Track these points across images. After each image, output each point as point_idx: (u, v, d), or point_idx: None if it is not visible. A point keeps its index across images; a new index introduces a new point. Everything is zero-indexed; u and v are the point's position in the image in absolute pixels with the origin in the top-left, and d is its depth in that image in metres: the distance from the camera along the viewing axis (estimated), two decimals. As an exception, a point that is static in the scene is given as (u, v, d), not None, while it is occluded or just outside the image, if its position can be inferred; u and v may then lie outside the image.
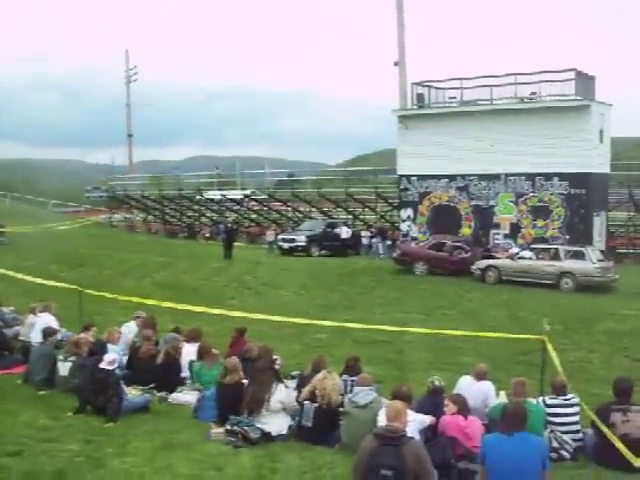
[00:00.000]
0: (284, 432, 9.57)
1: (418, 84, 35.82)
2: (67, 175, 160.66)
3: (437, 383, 9.62)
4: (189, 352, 12.48)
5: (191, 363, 12.08)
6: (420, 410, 8.91)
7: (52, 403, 11.06)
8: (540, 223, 31.56)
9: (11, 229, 36.26)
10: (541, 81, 31.82)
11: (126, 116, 67.42)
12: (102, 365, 10.60)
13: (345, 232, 42.46)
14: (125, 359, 12.47)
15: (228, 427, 9.43)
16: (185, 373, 12.14)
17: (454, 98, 34.70)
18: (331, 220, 46.28)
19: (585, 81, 31.98)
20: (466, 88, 33.95)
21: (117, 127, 75.73)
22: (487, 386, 9.94)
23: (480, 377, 10.07)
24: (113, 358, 10.77)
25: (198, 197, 54.79)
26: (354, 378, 10.25)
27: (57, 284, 18.34)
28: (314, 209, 50.59)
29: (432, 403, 9.26)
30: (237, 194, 53.12)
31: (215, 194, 53.96)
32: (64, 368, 11.82)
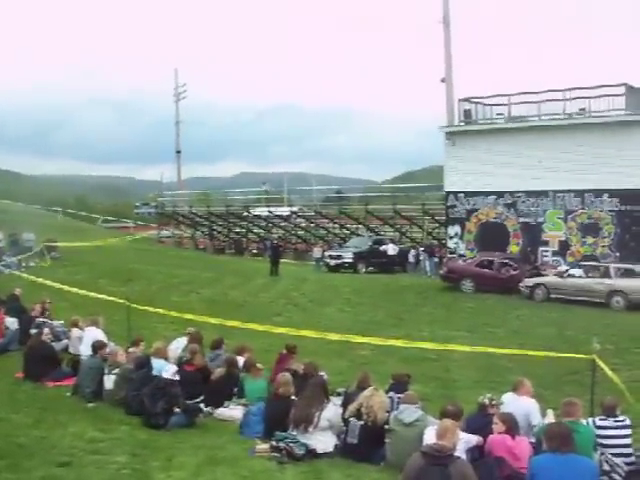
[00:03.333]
0: (330, 450, 9.52)
1: (465, 100, 35.66)
2: (117, 191, 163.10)
3: (487, 401, 9.48)
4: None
5: (241, 378, 12.13)
6: (469, 428, 8.79)
7: (100, 415, 11.19)
8: (590, 240, 31.10)
9: (62, 244, 36.83)
10: (590, 96, 31.42)
11: (175, 133, 68.23)
12: (166, 375, 10.78)
13: (392, 249, 42.36)
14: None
15: (273, 443, 9.41)
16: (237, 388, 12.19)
17: (501, 114, 34.45)
18: (378, 237, 46.23)
19: (636, 95, 31.46)
20: (513, 104, 33.68)
21: (166, 144, 76.69)
22: (528, 402, 9.69)
23: (521, 393, 9.86)
24: (175, 370, 10.96)
25: (245, 213, 55.20)
26: (400, 395, 10.18)
27: (106, 298, 18.59)
28: (361, 226, 50.58)
29: (482, 421, 9.12)
30: (284, 211, 53.41)
31: (262, 211, 54.32)
32: (109, 381, 11.98)
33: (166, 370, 11.01)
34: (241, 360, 12.57)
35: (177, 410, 10.85)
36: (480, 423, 9.04)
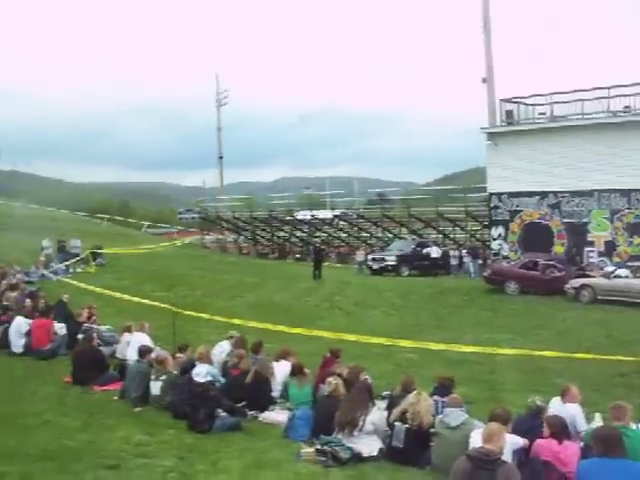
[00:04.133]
0: (375, 453, 9.51)
1: (507, 101, 35.32)
2: (161, 197, 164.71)
3: (538, 403, 9.37)
4: (278, 371, 12.61)
5: (285, 382, 12.19)
6: (517, 430, 8.70)
7: (147, 419, 11.34)
8: (637, 240, 30.58)
9: (108, 250, 37.30)
10: (635, 94, 30.93)
11: (217, 139, 68.71)
12: (197, 379, 10.90)
13: (435, 251, 42.18)
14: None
15: (318, 447, 9.44)
16: (276, 392, 12.25)
17: (544, 114, 34.06)
18: (421, 239, 46.09)
19: (683, 92, 30.87)
20: (556, 103, 33.27)
21: (209, 150, 77.26)
22: (573, 409, 9.55)
23: (566, 400, 9.75)
24: (207, 371, 11.06)
25: (288, 218, 55.34)
26: (445, 399, 10.14)
27: (152, 303, 18.79)
28: (404, 228, 50.44)
29: (530, 424, 9.02)
30: (327, 214, 53.45)
31: (305, 214, 54.40)
32: (155, 387, 12.11)
33: (198, 374, 11.10)
34: (285, 364, 12.64)
35: (221, 413, 10.95)
36: (529, 426, 8.95)
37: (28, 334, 16.47)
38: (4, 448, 9.44)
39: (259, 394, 11.88)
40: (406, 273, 40.21)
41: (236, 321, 16.63)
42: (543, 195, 32.98)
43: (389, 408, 10.39)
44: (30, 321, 16.72)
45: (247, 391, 11.88)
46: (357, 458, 9.38)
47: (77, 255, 34.51)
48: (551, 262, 30.18)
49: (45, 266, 31.01)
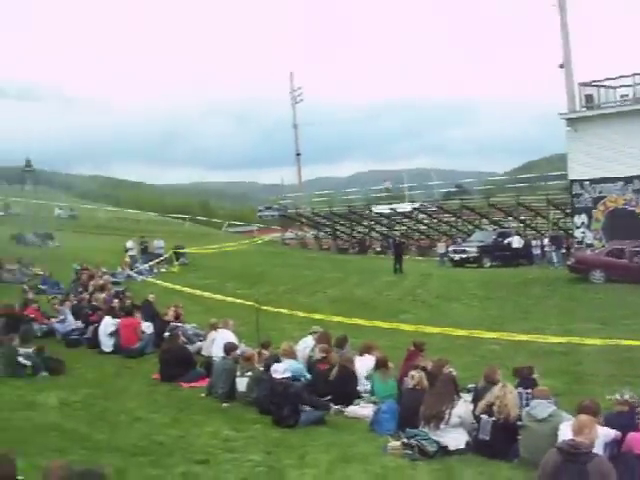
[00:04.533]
0: (461, 446, 9.44)
1: (586, 84, 34.34)
2: (240, 196, 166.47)
3: (627, 397, 9.10)
4: (362, 365, 12.64)
5: (370, 376, 12.22)
6: (609, 423, 8.50)
7: (234, 415, 11.53)
8: None
9: (190, 249, 37.95)
10: None
11: (294, 136, 69.04)
12: (275, 376, 11.02)
13: (517, 241, 41.53)
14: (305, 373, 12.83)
15: (405, 440, 9.43)
16: (361, 386, 12.29)
17: (626, 96, 33.05)
18: (502, 230, 45.44)
19: None
20: (639, 84, 32.24)
21: (286, 147, 77.64)
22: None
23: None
24: (284, 368, 11.17)
25: (367, 212, 55.27)
26: (529, 390, 10.01)
27: (235, 301, 19.05)
28: (484, 219, 49.84)
29: (623, 417, 8.78)
30: (406, 207, 53.18)
31: (384, 208, 54.24)
32: (241, 383, 12.29)
33: (275, 370, 11.21)
34: (369, 358, 12.67)
35: (306, 408, 11.04)
36: (621, 419, 8.72)
37: (116, 333, 16.92)
38: (97, 443, 9.75)
39: (345, 388, 11.94)
40: (488, 264, 39.73)
41: (318, 316, 16.73)
42: (628, 180, 31.97)
43: (474, 401, 10.31)
44: (118, 321, 17.17)
45: (332, 386, 11.95)
46: (444, 451, 9.34)
47: (160, 255, 35.25)
48: (639, 249, 29.31)
49: (130, 267, 31.80)
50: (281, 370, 11.32)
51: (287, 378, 11.27)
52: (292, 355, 13.05)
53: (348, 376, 12.12)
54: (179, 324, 17.44)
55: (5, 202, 59.27)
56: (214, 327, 16.02)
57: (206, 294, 21.23)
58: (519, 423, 9.12)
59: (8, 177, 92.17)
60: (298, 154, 68.62)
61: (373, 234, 59.11)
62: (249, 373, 12.21)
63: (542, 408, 8.88)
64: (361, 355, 13.01)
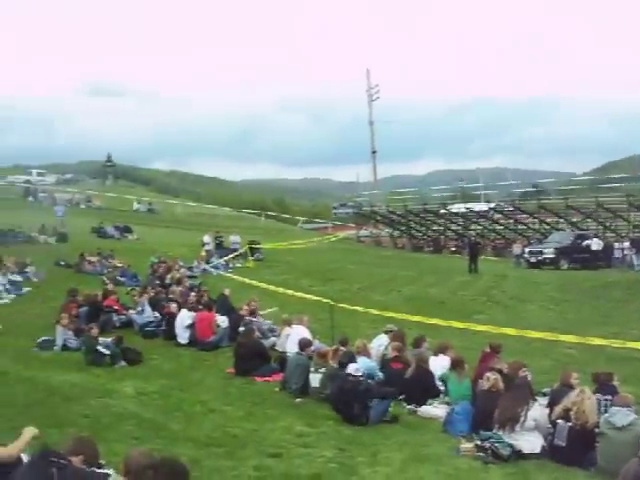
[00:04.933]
0: (536, 450, 9.29)
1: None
2: (315, 193, 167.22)
3: None
4: (436, 365, 12.57)
5: (444, 376, 12.15)
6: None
7: (307, 411, 11.59)
8: None
9: (265, 245, 38.28)
10: None
11: (370, 134, 68.97)
12: (349, 370, 11.07)
13: (596, 244, 40.60)
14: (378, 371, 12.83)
15: (478, 442, 9.34)
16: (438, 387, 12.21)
17: None
18: (580, 231, 44.53)
19: None
20: None
21: (361, 145, 77.66)
22: None
23: None
24: (357, 367, 11.19)
25: (443, 211, 54.91)
26: (608, 397, 9.79)
27: (310, 297, 19.14)
28: (562, 220, 48.95)
29: None
30: (482, 207, 52.65)
31: (459, 208, 53.81)
32: (315, 379, 12.35)
33: (353, 368, 11.24)
34: (444, 359, 12.59)
35: (374, 401, 11.03)
36: None
37: (192, 326, 17.18)
38: (173, 433, 9.93)
39: (420, 388, 11.89)
40: (565, 266, 38.93)
41: (392, 314, 16.68)
42: None
43: (550, 405, 10.14)
44: (194, 314, 17.44)
45: (407, 385, 11.92)
46: (517, 455, 9.21)
47: (236, 250, 35.66)
48: None
49: (206, 261, 32.24)
50: (353, 368, 11.34)
51: (358, 376, 11.27)
52: (366, 353, 13.07)
53: (424, 375, 12.07)
54: (254, 319, 17.62)
55: (87, 195, 60.74)
56: (288, 323, 16.14)
57: (280, 290, 21.38)
58: (597, 430, 8.93)
59: (90, 172, 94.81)
60: (374, 152, 68.56)
61: (448, 233, 58.63)
62: (323, 369, 12.26)
63: (622, 416, 8.67)
64: (436, 355, 12.95)
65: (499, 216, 53.05)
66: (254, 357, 14.24)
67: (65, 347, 15.78)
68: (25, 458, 6.02)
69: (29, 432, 6.38)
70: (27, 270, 25.74)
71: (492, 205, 53.08)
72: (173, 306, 18.31)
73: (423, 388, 11.92)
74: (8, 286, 22.80)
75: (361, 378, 11.26)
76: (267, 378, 13.75)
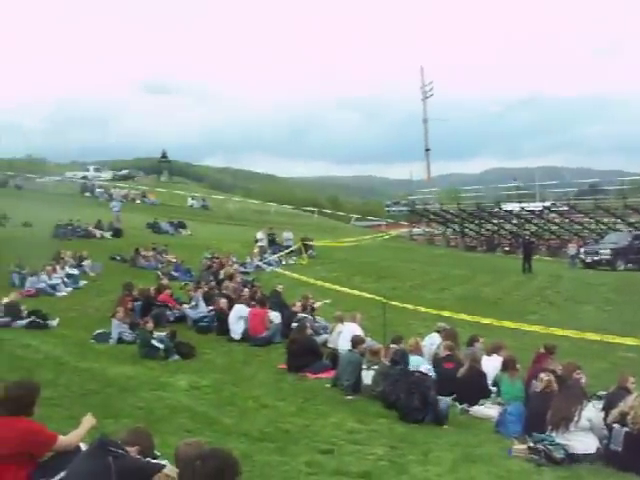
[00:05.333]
0: (591, 451, 9.14)
1: None
2: (368, 190, 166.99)
3: None
4: (489, 365, 12.48)
5: (496, 377, 12.06)
6: None
7: (358, 408, 11.59)
8: None
9: (318, 242, 38.34)
10: None
11: (423, 131, 68.63)
12: (420, 368, 11.10)
13: (655, 245, 39.85)
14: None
15: (531, 444, 9.23)
16: (489, 386, 12.13)
17: None
18: (638, 232, 43.72)
19: None
20: None
21: (415, 143, 77.39)
22: None
23: None
24: (428, 368, 11.23)
25: (497, 210, 54.40)
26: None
27: (362, 295, 19.13)
28: (619, 221, 48.10)
29: None
30: (536, 206, 52.02)
31: (514, 207, 53.25)
32: (367, 376, 12.36)
33: (421, 366, 11.26)
34: (496, 359, 12.50)
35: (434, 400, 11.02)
36: None
37: (245, 322, 17.31)
38: (225, 427, 10.01)
39: (472, 388, 11.82)
40: (622, 267, 38.30)
41: (445, 313, 16.60)
42: None
43: (606, 409, 9.97)
44: (248, 309, 17.57)
45: (459, 384, 11.86)
46: (571, 459, 9.08)
47: (289, 247, 35.80)
48: None
49: (259, 257, 32.43)
50: (425, 367, 11.36)
51: (422, 372, 11.28)
52: (418, 351, 13.05)
53: (476, 375, 12.00)
54: (307, 315, 17.69)
55: (142, 191, 61.56)
56: (340, 320, 16.16)
57: (333, 287, 21.41)
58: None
59: (145, 168, 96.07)
60: (427, 149, 68.24)
61: (502, 232, 58.06)
62: (375, 367, 12.27)
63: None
64: (489, 355, 12.86)
65: (554, 215, 52.38)
66: (306, 353, 14.30)
67: (120, 340, 16.03)
68: (83, 447, 6.15)
69: (88, 421, 6.52)
70: (84, 264, 26.18)
71: (547, 204, 52.38)
72: (223, 301, 18.47)
73: (475, 388, 11.85)
74: (66, 279, 23.23)
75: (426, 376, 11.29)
76: (319, 374, 13.80)
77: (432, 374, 12.42)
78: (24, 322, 16.82)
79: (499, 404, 11.34)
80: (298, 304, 18.41)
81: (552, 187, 58.17)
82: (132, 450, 5.76)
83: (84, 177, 69.32)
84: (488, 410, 11.32)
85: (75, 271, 24.73)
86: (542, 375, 10.46)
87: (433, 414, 10.81)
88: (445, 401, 11.18)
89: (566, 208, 50.49)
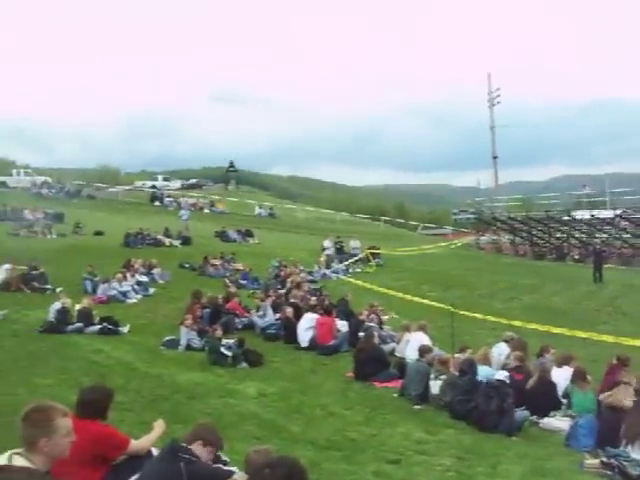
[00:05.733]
0: (669, 468, 8.91)
1: None
2: (434, 198, 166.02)
3: None
4: (559, 376, 12.27)
5: (567, 389, 11.84)
6: None
7: (426, 418, 11.52)
8: None
9: (385, 250, 38.27)
10: None
11: (490, 138, 67.91)
12: (497, 376, 11.02)
13: None
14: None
15: (604, 459, 9.03)
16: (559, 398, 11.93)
17: None
18: None
19: None
20: None
21: (482, 150, 76.72)
22: None
23: None
24: (506, 375, 11.14)
25: (566, 218, 53.49)
26: None
27: (430, 303, 19.03)
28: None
29: None
30: (608, 214, 51.00)
31: (584, 214, 52.29)
32: (435, 386, 12.27)
33: (498, 374, 11.17)
34: (567, 370, 12.28)
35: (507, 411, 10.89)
36: None
37: (313, 330, 17.36)
38: (292, 434, 10.05)
39: (542, 399, 11.63)
40: (700, 276, 37.29)
41: (515, 323, 16.40)
42: None
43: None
44: (315, 318, 17.62)
45: (529, 395, 11.68)
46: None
47: (356, 255, 35.81)
48: None
49: (326, 266, 32.51)
50: (503, 375, 11.27)
51: (501, 381, 11.18)
52: (486, 361, 12.90)
53: (547, 387, 11.80)
54: (374, 324, 17.66)
55: (210, 200, 62.35)
56: (408, 329, 16.10)
57: (400, 295, 21.34)
58: None
59: (214, 177, 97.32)
60: (495, 157, 67.45)
61: (572, 241, 57.01)
62: (443, 377, 12.18)
63: None
64: (559, 366, 12.63)
65: (626, 223, 51.23)
66: (374, 362, 14.27)
67: (189, 347, 16.22)
68: (154, 451, 6.26)
69: (160, 427, 6.63)
70: (153, 272, 26.61)
71: (618, 212, 51.31)
72: (289, 310, 18.54)
73: (545, 399, 11.66)
74: (136, 286, 23.64)
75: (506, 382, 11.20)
76: (386, 383, 13.76)
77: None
78: (96, 328, 17.18)
79: (570, 416, 11.13)
80: (365, 312, 18.38)
81: (623, 194, 56.94)
82: (196, 445, 5.84)
83: (153, 186, 70.57)
84: (558, 422, 11.12)
85: (145, 278, 25.15)
86: (616, 388, 10.25)
87: (507, 423, 10.68)
88: (522, 413, 11.02)
89: (638, 216, 49.37)
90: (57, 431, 3.93)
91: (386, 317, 19.50)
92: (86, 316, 17.48)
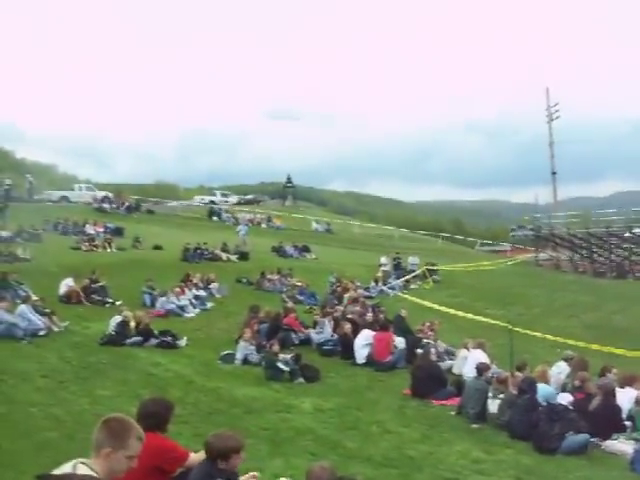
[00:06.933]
0: None
1: None
2: (493, 215, 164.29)
3: None
4: (622, 397, 11.99)
5: (632, 410, 11.57)
6: None
7: (484, 437, 11.41)
8: None
9: (442, 267, 38.01)
10: None
11: (549, 154, 67.05)
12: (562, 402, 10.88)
13: None
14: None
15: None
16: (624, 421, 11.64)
17: None
18: None
19: None
20: None
21: (540, 166, 75.62)
22: None
23: None
24: (571, 400, 11.00)
25: (627, 234, 52.46)
26: None
27: (488, 321, 18.83)
28: None
29: None
30: (671, 231, 49.91)
31: (645, 231, 51.26)
32: (493, 405, 12.13)
33: (562, 398, 11.02)
34: (631, 391, 12.00)
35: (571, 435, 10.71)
36: None
37: (370, 346, 17.31)
38: (349, 450, 10.05)
39: (605, 421, 11.37)
40: None
41: (575, 342, 16.12)
42: None
43: None
44: (372, 334, 17.57)
45: (592, 417, 11.44)
46: None
47: (414, 271, 35.63)
48: None
49: (383, 282, 32.40)
50: (567, 400, 11.15)
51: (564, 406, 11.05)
52: (545, 380, 12.69)
53: (610, 408, 11.53)
54: (431, 341, 17.54)
55: (268, 215, 62.73)
56: (465, 346, 15.96)
57: (457, 312, 21.16)
58: None
59: (270, 192, 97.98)
60: (554, 173, 66.60)
61: (634, 258, 55.83)
62: (502, 395, 12.03)
63: None
64: (622, 387, 12.34)
65: (691, 241, 50.10)
66: (431, 380, 14.17)
67: (246, 361, 16.31)
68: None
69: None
70: (211, 286, 26.83)
71: (683, 229, 50.17)
72: (347, 327, 18.50)
73: (609, 422, 11.37)
74: (194, 301, 23.86)
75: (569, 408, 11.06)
76: (444, 401, 13.66)
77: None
78: (155, 342, 17.39)
79: (635, 440, 10.84)
80: (423, 329, 18.28)
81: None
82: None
83: (211, 201, 71.27)
84: (622, 445, 10.83)
85: (203, 293, 25.37)
86: None
87: (568, 447, 10.49)
88: (584, 436, 10.80)
89: None
90: (126, 448, 3.94)
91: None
92: (145, 330, 17.71)
